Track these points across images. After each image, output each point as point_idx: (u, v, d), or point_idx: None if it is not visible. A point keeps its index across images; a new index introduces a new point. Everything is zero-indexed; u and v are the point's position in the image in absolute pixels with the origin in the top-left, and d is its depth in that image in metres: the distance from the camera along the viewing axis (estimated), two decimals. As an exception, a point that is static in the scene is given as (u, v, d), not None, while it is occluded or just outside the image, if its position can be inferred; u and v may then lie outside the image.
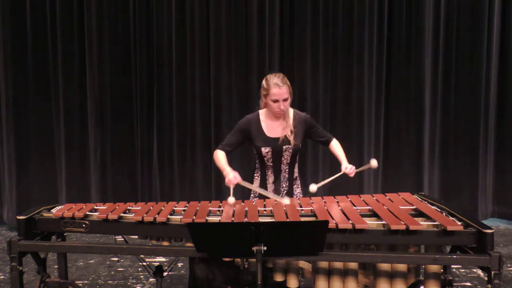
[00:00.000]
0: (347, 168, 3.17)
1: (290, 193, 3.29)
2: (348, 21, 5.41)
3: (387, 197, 3.01)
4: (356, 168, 3.20)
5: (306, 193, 3.28)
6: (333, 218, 2.58)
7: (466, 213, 2.64)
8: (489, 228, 2.41)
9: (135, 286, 3.96)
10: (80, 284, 3.93)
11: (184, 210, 2.83)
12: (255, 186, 3.22)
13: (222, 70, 5.46)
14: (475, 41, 5.44)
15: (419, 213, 2.73)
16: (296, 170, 3.33)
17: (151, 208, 2.86)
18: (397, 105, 5.53)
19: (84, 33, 5.43)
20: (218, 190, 5.51)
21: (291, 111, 3.25)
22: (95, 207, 2.90)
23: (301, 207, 2.85)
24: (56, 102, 5.52)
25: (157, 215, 2.70)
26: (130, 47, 5.47)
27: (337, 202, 2.95)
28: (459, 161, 5.57)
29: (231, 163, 3.19)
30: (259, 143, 3.22)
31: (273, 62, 5.41)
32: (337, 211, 2.73)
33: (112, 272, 4.25)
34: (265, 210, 2.84)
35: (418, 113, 5.49)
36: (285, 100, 3.14)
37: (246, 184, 3.11)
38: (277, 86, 3.11)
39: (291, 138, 3.19)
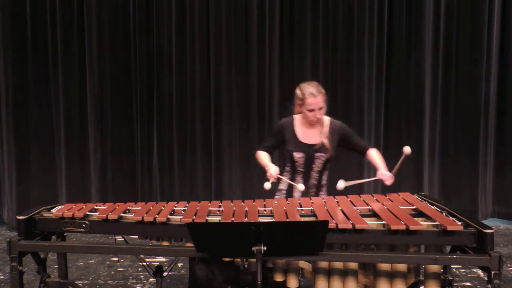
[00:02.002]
0: (384, 175, 3.11)
1: None
2: (348, 21, 5.41)
3: (387, 197, 3.01)
4: (394, 167, 3.12)
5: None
6: (333, 218, 2.58)
7: (466, 213, 2.64)
8: (489, 228, 2.40)
9: (135, 286, 3.96)
10: (80, 284, 3.93)
11: (184, 210, 2.83)
12: (288, 180, 3.26)
13: (222, 70, 5.46)
14: (475, 41, 5.44)
15: (419, 213, 2.73)
16: (325, 177, 3.34)
17: (151, 208, 2.86)
18: (397, 105, 5.53)
19: (84, 33, 5.43)
20: (218, 190, 5.52)
21: (326, 119, 3.25)
22: (95, 207, 2.90)
23: (301, 207, 2.85)
24: (56, 102, 5.52)
25: (157, 215, 2.70)
26: (130, 47, 5.47)
27: (337, 202, 2.95)
28: (459, 161, 5.57)
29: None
30: (292, 147, 3.24)
31: (273, 62, 5.41)
32: (337, 211, 2.73)
33: (112, 272, 4.25)
34: (265, 210, 2.84)
35: (418, 113, 5.49)
36: (320, 108, 3.15)
37: (283, 178, 3.25)
38: (312, 96, 3.12)
39: (328, 146, 3.19)
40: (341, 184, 3.08)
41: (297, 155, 3.23)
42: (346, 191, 3.19)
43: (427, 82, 5.46)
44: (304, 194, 3.26)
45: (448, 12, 5.45)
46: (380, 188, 5.45)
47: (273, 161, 3.28)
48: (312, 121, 3.20)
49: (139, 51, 5.47)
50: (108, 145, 5.57)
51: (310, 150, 3.21)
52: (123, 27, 5.47)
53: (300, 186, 3.15)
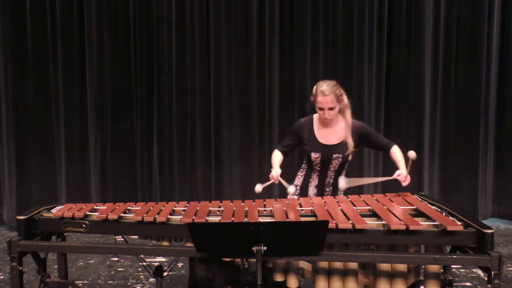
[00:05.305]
0: (401, 175, 3.06)
1: None
2: (348, 22, 5.41)
3: (387, 197, 3.02)
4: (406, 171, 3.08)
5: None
6: (333, 218, 2.58)
7: (466, 213, 2.64)
8: (489, 228, 2.40)
9: (135, 286, 3.96)
10: (80, 284, 3.93)
11: (184, 210, 2.83)
12: (284, 181, 3.22)
13: (222, 70, 5.46)
14: (475, 41, 5.44)
15: (419, 213, 2.73)
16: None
17: (151, 208, 2.86)
18: (397, 105, 5.53)
19: (84, 33, 5.42)
20: (218, 190, 5.52)
21: (347, 119, 3.20)
22: (95, 207, 2.90)
23: (301, 207, 2.85)
24: (56, 102, 5.51)
25: (157, 215, 2.70)
26: (130, 47, 5.47)
27: (337, 202, 2.95)
28: (459, 161, 5.57)
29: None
30: (309, 147, 3.21)
31: (273, 62, 5.41)
32: (337, 211, 2.73)
33: (112, 272, 4.25)
34: (265, 210, 2.84)
35: (418, 113, 5.49)
36: (330, 109, 3.11)
37: (282, 181, 3.19)
38: (322, 94, 3.09)
39: (346, 148, 3.16)
40: (342, 184, 3.11)
41: (314, 155, 3.19)
42: (346, 191, 3.20)
43: (427, 82, 5.46)
44: (319, 192, 3.25)
45: (448, 12, 5.45)
46: (380, 188, 5.46)
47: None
48: (322, 120, 3.16)
49: (139, 51, 5.47)
50: (108, 145, 5.57)
51: (327, 150, 3.17)
52: (123, 27, 5.47)
53: (291, 188, 3.14)
